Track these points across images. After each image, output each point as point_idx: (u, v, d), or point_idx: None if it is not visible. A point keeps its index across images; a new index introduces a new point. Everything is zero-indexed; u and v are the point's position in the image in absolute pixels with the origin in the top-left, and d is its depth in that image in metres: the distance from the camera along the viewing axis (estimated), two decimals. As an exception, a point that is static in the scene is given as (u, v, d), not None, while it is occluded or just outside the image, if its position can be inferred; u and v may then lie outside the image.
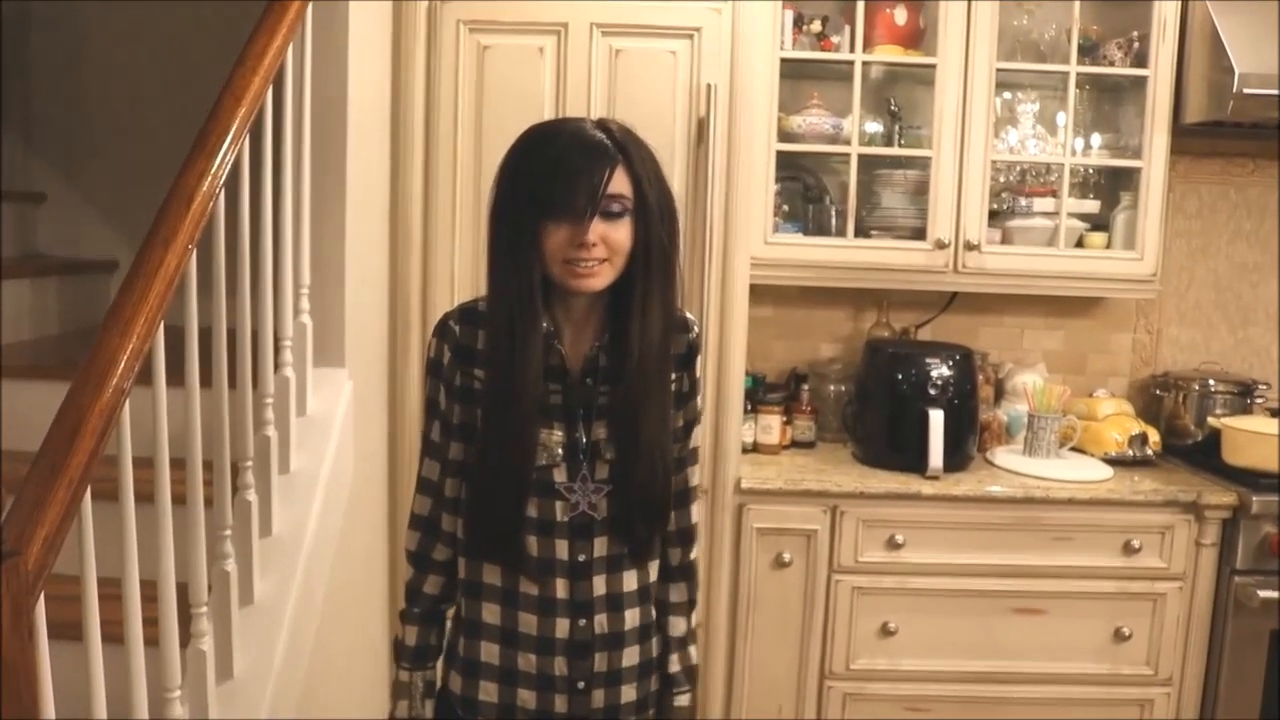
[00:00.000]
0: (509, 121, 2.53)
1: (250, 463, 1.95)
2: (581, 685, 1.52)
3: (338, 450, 2.27)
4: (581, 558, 1.49)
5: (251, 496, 1.95)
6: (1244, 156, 3.24)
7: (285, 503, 2.10)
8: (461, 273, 2.63)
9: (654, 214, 1.43)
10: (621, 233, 1.41)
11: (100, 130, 3.31)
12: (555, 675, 1.50)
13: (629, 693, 1.56)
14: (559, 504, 1.48)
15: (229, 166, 1.81)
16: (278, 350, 2.11)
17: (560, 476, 1.48)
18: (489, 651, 1.52)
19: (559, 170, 1.38)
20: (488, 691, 1.52)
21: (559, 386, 1.48)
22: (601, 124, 1.46)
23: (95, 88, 3.32)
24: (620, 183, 1.40)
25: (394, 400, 2.69)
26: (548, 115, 2.57)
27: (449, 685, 1.58)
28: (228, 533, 1.85)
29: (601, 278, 1.42)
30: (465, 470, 1.52)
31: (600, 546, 1.50)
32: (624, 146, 1.42)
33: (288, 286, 2.09)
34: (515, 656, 1.50)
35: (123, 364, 1.50)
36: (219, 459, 1.86)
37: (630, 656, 1.56)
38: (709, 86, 2.55)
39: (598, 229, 1.38)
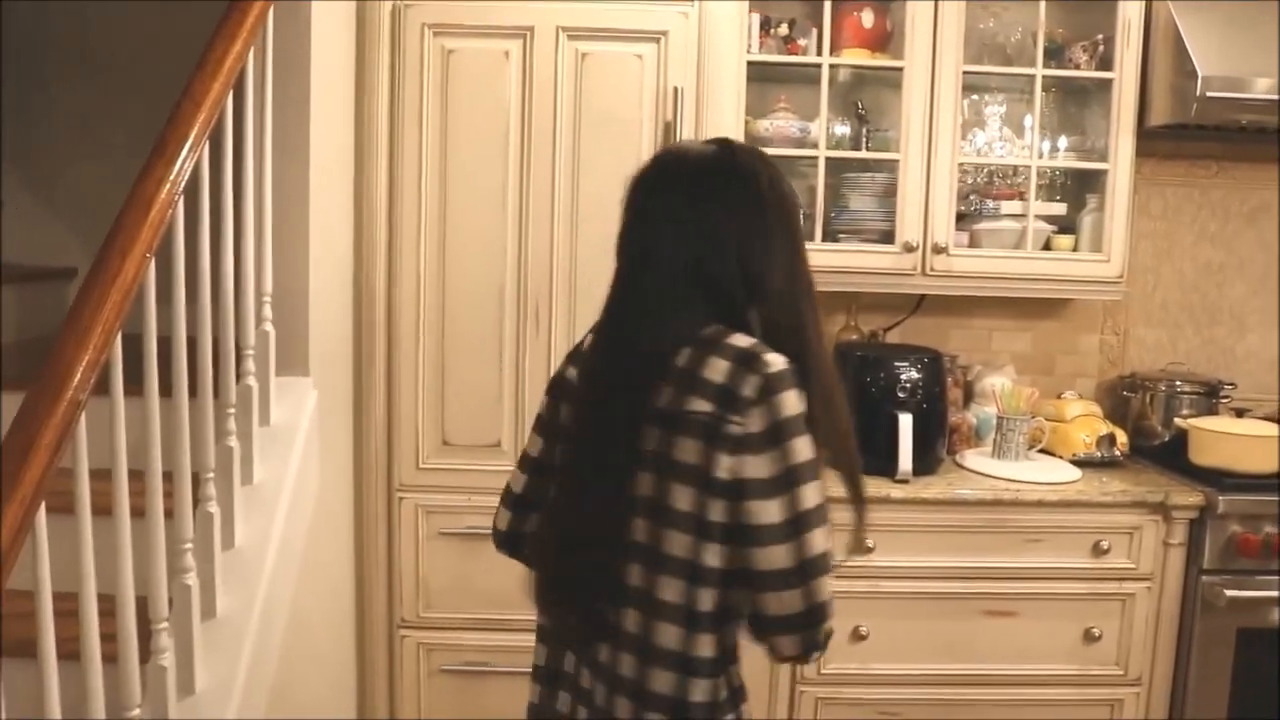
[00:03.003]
0: (474, 125, 2.58)
1: (212, 474, 1.92)
2: None
3: (302, 460, 2.24)
4: None
5: (213, 508, 1.91)
6: (1208, 159, 3.27)
7: (248, 515, 2.06)
8: (427, 279, 2.60)
9: None
10: None
11: (60, 136, 3.26)
12: None
13: None
14: None
15: (188, 173, 1.78)
16: (240, 359, 2.08)
17: None
18: None
19: None
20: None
21: None
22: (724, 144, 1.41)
23: (56, 94, 3.27)
24: None
25: (359, 408, 2.66)
26: (514, 120, 2.56)
27: None
28: (189, 546, 1.82)
29: None
30: None
31: None
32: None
33: (249, 294, 2.06)
34: None
35: (79, 375, 1.47)
36: (179, 470, 1.82)
37: None
38: (675, 90, 2.54)
39: None
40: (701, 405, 1.25)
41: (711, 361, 1.26)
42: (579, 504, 1.32)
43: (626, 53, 2.56)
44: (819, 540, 1.25)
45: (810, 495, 1.25)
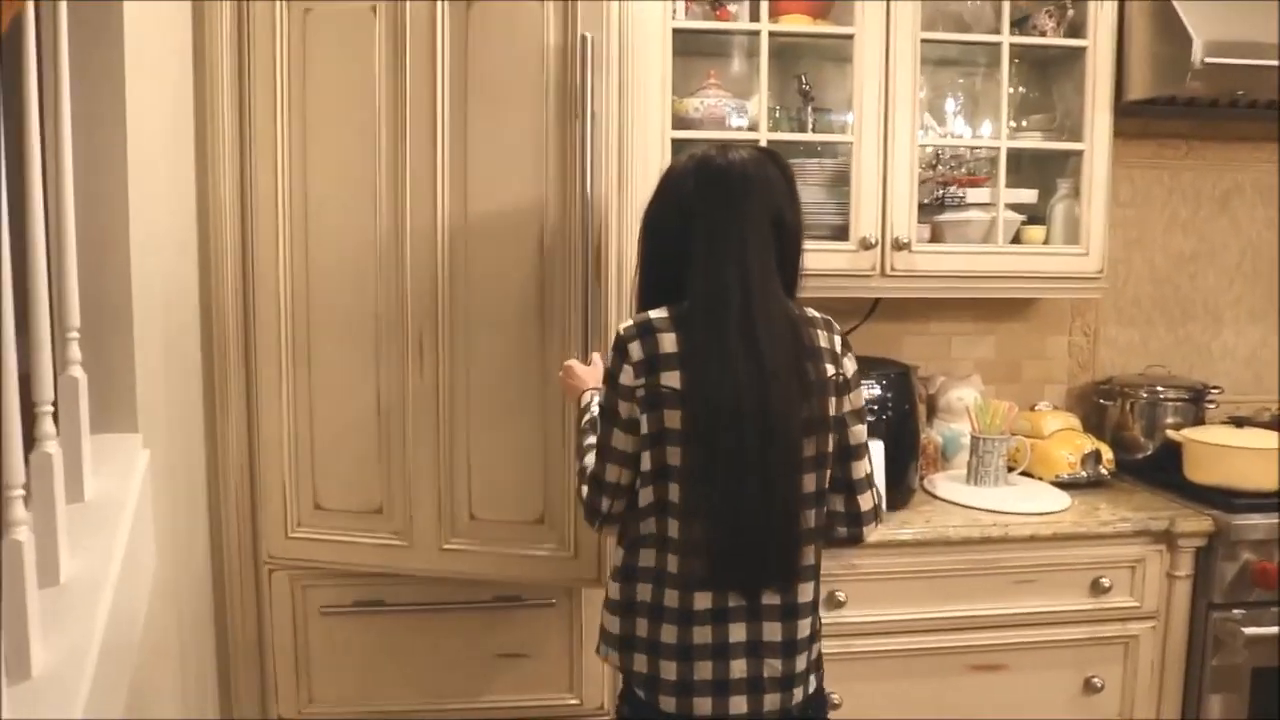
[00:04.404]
0: (339, 103, 2.03)
1: (-12, 584, 1.38)
2: None
3: (132, 542, 1.70)
4: None
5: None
6: (1177, 137, 2.95)
7: (53, 626, 1.53)
8: (292, 301, 2.08)
9: None
10: None
11: None
12: None
13: None
14: None
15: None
16: (34, 418, 1.54)
17: None
18: None
19: None
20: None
21: None
22: None
23: None
24: None
25: (215, 461, 2.13)
26: (384, 94, 2.03)
27: None
28: (-51, 697, 1.28)
29: None
30: None
31: None
32: None
33: (43, 330, 1.52)
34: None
35: None
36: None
37: None
38: (584, 39, 1.98)
39: None
40: (830, 369, 1.59)
41: (815, 334, 1.59)
42: (770, 497, 1.53)
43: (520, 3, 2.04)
44: None
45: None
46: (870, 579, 2.30)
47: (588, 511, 1.64)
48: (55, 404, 1.63)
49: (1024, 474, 2.62)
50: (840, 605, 2.29)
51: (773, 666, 1.58)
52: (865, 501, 1.67)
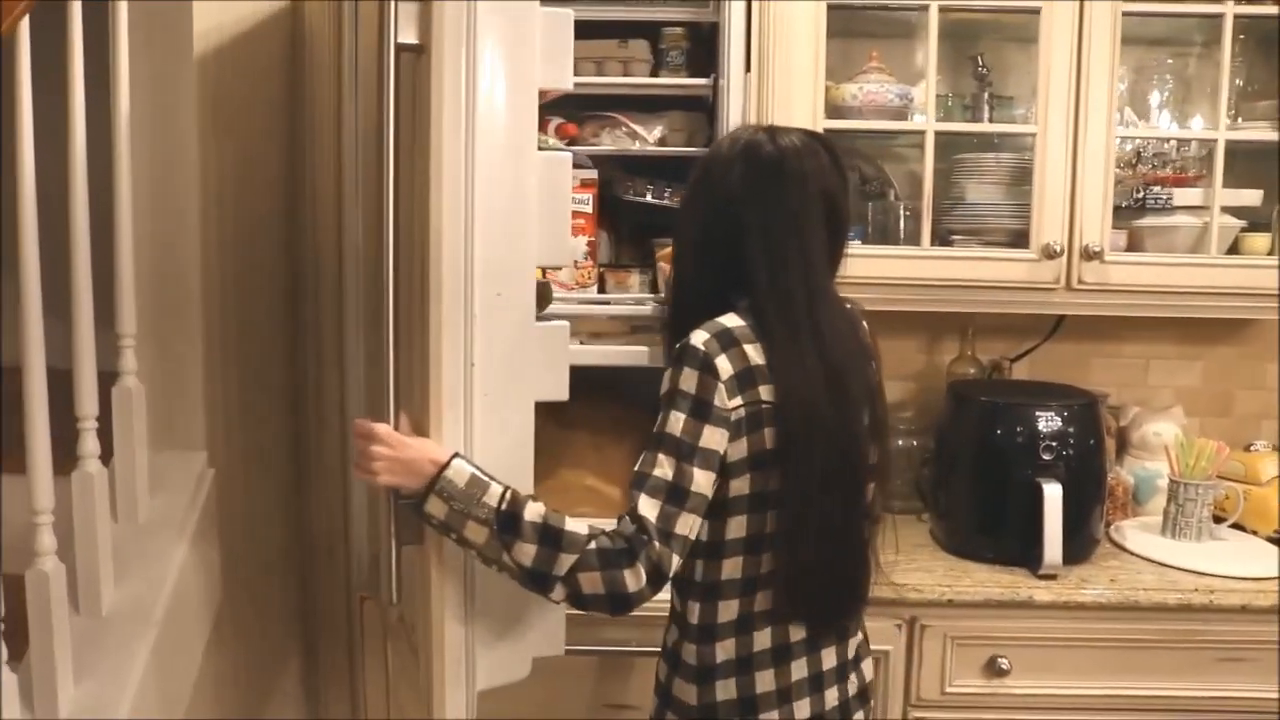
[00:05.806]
0: None
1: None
2: None
3: (189, 568, 1.56)
4: None
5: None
6: None
7: (89, 663, 1.39)
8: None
9: None
10: None
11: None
12: None
13: None
14: None
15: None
16: (79, 434, 1.40)
17: None
18: None
19: None
20: None
21: None
22: None
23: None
24: None
25: (306, 481, 1.97)
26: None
27: None
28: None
29: None
30: None
31: None
32: None
33: (86, 336, 1.38)
34: None
35: None
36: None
37: None
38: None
39: None
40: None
41: (864, 329, 1.54)
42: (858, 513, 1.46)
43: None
44: None
45: None
46: (1040, 645, 1.97)
47: (650, 580, 1.29)
48: (111, 417, 1.50)
49: (1234, 527, 2.22)
50: (1003, 674, 1.97)
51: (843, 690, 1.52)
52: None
